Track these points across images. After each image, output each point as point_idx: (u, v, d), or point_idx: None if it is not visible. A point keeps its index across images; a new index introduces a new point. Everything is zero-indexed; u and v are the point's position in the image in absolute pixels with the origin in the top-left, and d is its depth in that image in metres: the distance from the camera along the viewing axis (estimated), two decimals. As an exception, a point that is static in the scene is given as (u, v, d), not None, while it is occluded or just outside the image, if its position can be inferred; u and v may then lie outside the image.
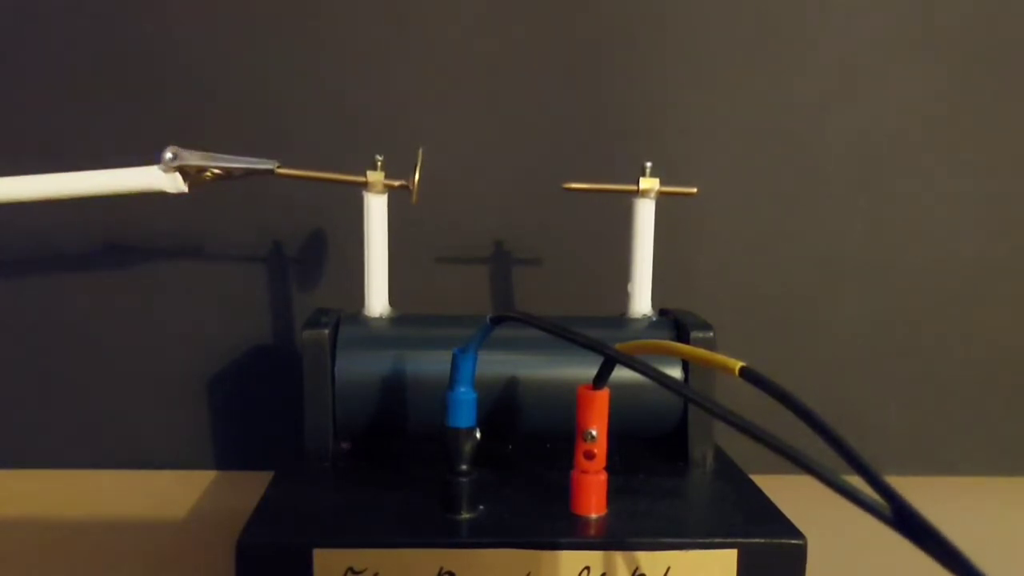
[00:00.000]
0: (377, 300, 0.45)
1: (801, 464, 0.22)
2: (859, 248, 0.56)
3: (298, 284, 0.55)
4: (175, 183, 0.41)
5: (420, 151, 0.43)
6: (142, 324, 0.54)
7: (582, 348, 0.32)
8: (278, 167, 0.43)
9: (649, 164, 0.45)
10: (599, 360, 0.33)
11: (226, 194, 0.50)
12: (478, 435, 0.36)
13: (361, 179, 0.43)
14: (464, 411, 0.35)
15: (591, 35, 0.54)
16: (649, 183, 0.45)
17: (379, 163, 0.44)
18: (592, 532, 0.34)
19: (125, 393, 0.55)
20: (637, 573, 0.33)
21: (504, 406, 0.42)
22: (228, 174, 0.42)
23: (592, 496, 0.35)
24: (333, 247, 0.54)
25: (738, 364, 0.26)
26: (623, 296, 0.46)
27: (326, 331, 0.41)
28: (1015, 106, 0.55)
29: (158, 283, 0.54)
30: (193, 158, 0.41)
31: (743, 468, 0.43)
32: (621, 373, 0.33)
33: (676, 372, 0.42)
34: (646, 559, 0.33)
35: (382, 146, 0.44)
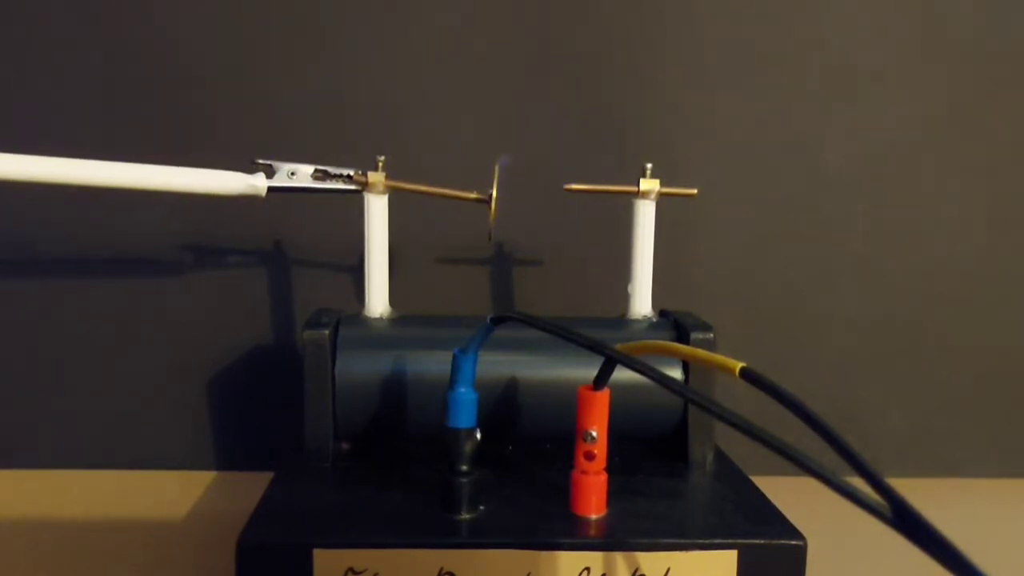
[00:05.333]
0: (377, 300, 0.45)
1: (801, 465, 0.22)
2: (859, 248, 0.56)
3: (298, 284, 0.55)
4: (258, 191, 0.42)
5: (496, 167, 0.43)
6: (142, 324, 0.54)
7: (582, 349, 0.32)
8: (358, 173, 0.43)
9: (650, 165, 0.45)
10: (599, 361, 0.33)
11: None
12: (478, 435, 0.36)
13: (360, 179, 0.43)
14: (464, 411, 0.35)
15: (592, 36, 0.54)
16: (649, 184, 0.45)
17: (379, 163, 0.44)
18: (592, 532, 0.34)
19: (125, 393, 0.55)
20: (637, 574, 0.33)
21: (504, 406, 0.42)
22: (314, 191, 0.43)
23: (592, 496, 0.35)
24: (333, 247, 0.54)
25: (738, 365, 0.26)
26: (623, 297, 0.46)
27: (326, 331, 0.41)
28: (1015, 106, 0.55)
29: (158, 283, 0.54)
30: (281, 177, 0.42)
31: (743, 469, 0.43)
32: (621, 374, 0.33)
33: (676, 373, 0.42)
34: (646, 560, 0.33)
35: (382, 146, 0.44)
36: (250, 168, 0.42)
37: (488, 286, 0.56)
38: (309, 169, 0.43)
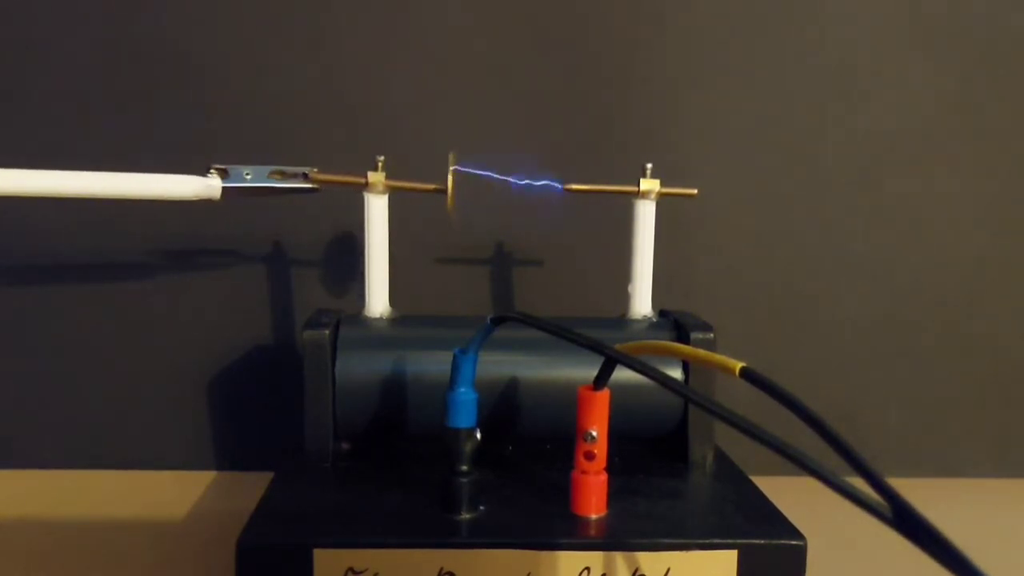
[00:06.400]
0: (377, 300, 0.45)
1: (802, 465, 0.22)
2: (859, 248, 0.56)
3: (298, 284, 0.55)
4: (212, 192, 0.42)
5: (451, 155, 0.43)
6: (142, 324, 0.54)
7: (582, 349, 0.32)
8: (314, 172, 0.43)
9: (650, 165, 0.45)
10: (599, 361, 0.33)
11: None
12: (478, 435, 0.36)
13: (360, 180, 0.43)
14: (464, 411, 0.35)
15: (591, 36, 0.54)
16: (649, 184, 0.45)
17: (379, 163, 0.44)
18: (592, 533, 0.34)
19: (125, 393, 0.55)
20: (637, 574, 0.33)
21: (505, 407, 0.42)
22: (272, 192, 0.43)
23: (592, 496, 0.35)
24: (333, 247, 0.54)
25: (738, 364, 0.26)
26: (623, 297, 0.46)
27: (326, 331, 0.41)
28: (1015, 106, 0.55)
29: (158, 283, 0.54)
30: (235, 178, 0.42)
31: (743, 469, 0.43)
32: (621, 374, 0.33)
33: (676, 373, 0.42)
34: (646, 560, 0.33)
35: (382, 146, 0.44)
36: (206, 173, 0.42)
37: (488, 286, 0.56)
38: (266, 170, 0.43)
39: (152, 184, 0.41)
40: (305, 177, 0.43)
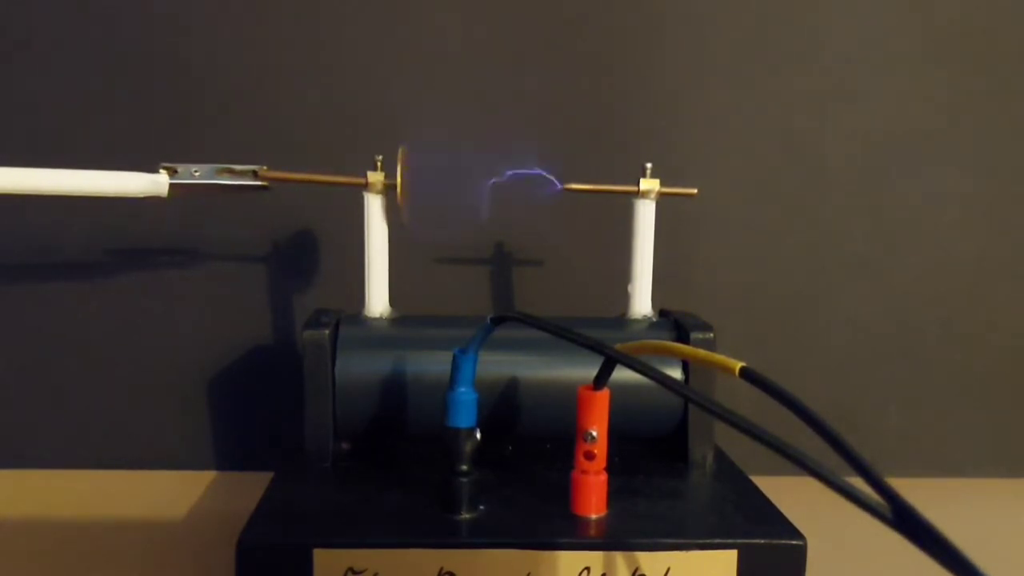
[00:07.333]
0: (377, 300, 0.45)
1: (802, 465, 0.22)
2: (859, 248, 0.56)
3: (298, 284, 0.55)
4: (159, 189, 0.41)
5: (401, 149, 0.43)
6: (142, 325, 0.54)
7: (582, 348, 0.32)
8: (264, 170, 0.43)
9: (649, 165, 0.45)
10: (599, 360, 0.33)
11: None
12: (478, 435, 0.36)
13: (360, 180, 0.43)
14: (464, 411, 0.35)
15: (592, 37, 0.54)
16: (649, 184, 0.45)
17: (379, 163, 0.44)
18: (592, 532, 0.34)
19: (125, 393, 0.55)
20: (637, 573, 0.33)
21: (504, 406, 0.42)
22: (221, 189, 0.43)
23: (592, 496, 0.35)
24: (333, 247, 0.54)
25: (738, 364, 0.26)
26: (623, 297, 0.46)
27: (326, 331, 0.41)
28: (1015, 106, 0.55)
29: (158, 284, 0.54)
30: (184, 176, 0.42)
31: (743, 469, 0.43)
32: (621, 374, 0.33)
33: (676, 373, 0.42)
34: (646, 559, 0.33)
35: (382, 146, 0.44)
36: (156, 171, 0.42)
37: (488, 286, 0.56)
38: (215, 167, 0.43)
39: (99, 181, 0.40)
40: (254, 175, 0.43)
